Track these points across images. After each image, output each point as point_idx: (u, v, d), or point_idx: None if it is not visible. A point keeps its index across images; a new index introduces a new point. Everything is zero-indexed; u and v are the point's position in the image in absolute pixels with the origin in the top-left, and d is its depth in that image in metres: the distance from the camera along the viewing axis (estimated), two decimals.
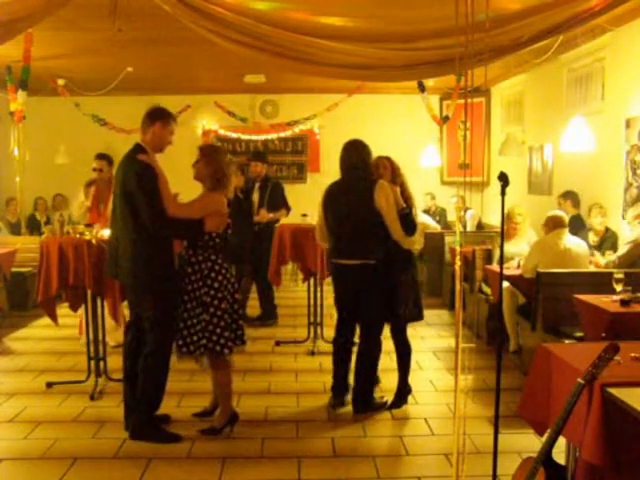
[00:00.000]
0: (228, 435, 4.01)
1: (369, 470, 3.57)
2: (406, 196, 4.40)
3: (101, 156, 5.79)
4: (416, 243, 4.42)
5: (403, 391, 4.53)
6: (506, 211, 5.79)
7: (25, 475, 3.55)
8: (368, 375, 4.44)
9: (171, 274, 3.89)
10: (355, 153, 4.32)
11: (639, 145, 5.69)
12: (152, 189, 3.72)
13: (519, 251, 5.71)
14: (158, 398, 3.99)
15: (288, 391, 4.85)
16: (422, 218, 8.51)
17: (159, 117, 3.91)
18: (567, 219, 5.24)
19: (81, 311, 5.62)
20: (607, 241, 5.81)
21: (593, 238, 5.91)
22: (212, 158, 3.95)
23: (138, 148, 3.84)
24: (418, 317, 4.50)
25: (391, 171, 4.39)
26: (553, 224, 5.11)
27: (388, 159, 4.46)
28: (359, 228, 4.25)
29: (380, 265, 4.25)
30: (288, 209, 6.92)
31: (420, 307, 4.49)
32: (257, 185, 6.87)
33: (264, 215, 6.68)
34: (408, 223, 4.25)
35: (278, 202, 6.83)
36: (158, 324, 3.85)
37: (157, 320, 3.85)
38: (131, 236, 3.80)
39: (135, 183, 3.71)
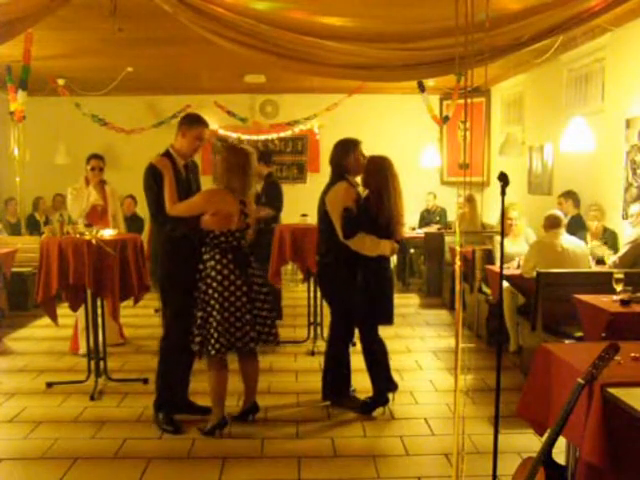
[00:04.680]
0: (228, 435, 4.01)
1: (369, 470, 3.57)
2: (375, 200, 4.23)
3: (99, 156, 5.79)
4: (365, 249, 4.22)
5: (375, 396, 4.43)
6: None
7: (25, 475, 3.55)
8: (331, 367, 4.51)
9: (182, 270, 3.97)
10: (332, 153, 4.45)
11: (639, 145, 5.69)
12: (153, 188, 3.98)
13: (519, 251, 5.71)
14: (169, 383, 4.14)
15: (288, 391, 4.85)
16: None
17: (183, 124, 4.14)
18: (564, 219, 5.24)
19: (74, 322, 5.67)
20: (607, 242, 5.79)
21: (591, 238, 5.90)
22: (226, 156, 4.02)
23: (163, 153, 4.12)
24: (383, 320, 4.40)
25: (365, 174, 4.32)
26: (550, 224, 5.11)
27: (369, 160, 4.34)
28: (320, 226, 4.49)
29: (334, 262, 4.33)
30: (277, 209, 6.82)
31: (378, 310, 4.36)
32: (262, 185, 6.88)
33: None
34: (345, 225, 4.19)
35: (268, 201, 6.78)
36: (169, 315, 4.12)
37: (167, 311, 4.13)
38: (153, 235, 4.31)
39: (144, 184, 4.05)
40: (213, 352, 3.83)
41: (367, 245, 4.23)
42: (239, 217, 3.94)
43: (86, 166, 5.76)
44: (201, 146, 4.18)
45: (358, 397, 4.55)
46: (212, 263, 3.89)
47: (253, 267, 4.02)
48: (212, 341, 3.82)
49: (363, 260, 4.26)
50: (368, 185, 4.34)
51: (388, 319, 4.41)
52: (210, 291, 3.86)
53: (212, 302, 3.85)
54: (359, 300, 4.30)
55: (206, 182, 4.52)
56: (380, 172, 4.28)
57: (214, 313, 3.84)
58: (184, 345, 3.94)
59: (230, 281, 3.87)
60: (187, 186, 4.11)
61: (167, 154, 4.10)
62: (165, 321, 4.16)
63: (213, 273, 3.87)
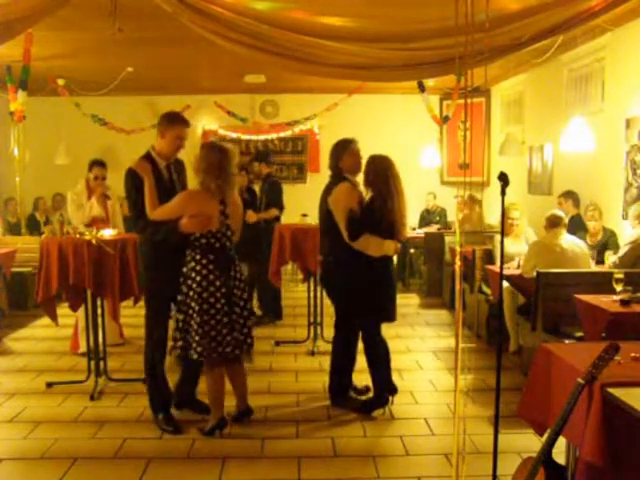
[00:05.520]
0: (228, 435, 4.01)
1: (369, 470, 3.57)
2: (379, 203, 4.20)
3: (102, 163, 5.72)
4: (369, 250, 4.22)
5: (375, 396, 4.43)
6: None
7: (25, 475, 3.55)
8: (334, 366, 4.51)
9: (164, 274, 3.93)
10: (329, 157, 4.42)
11: (639, 145, 5.69)
12: (132, 194, 3.93)
13: (519, 251, 5.71)
14: (157, 384, 4.13)
15: (288, 391, 4.84)
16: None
17: (161, 124, 4.02)
18: (565, 219, 5.23)
19: (74, 321, 5.69)
20: (609, 241, 5.78)
21: (590, 238, 5.90)
22: (201, 155, 3.87)
23: (144, 155, 4.02)
24: (384, 318, 4.41)
25: (365, 174, 4.30)
26: (550, 224, 5.11)
27: (367, 161, 4.34)
28: (321, 227, 4.51)
29: (337, 263, 4.33)
30: (280, 208, 6.85)
31: (380, 309, 4.37)
32: (261, 185, 6.94)
33: (251, 216, 6.54)
34: (350, 226, 4.18)
35: (271, 201, 6.81)
36: (151, 317, 4.09)
37: (150, 314, 4.09)
38: (137, 239, 4.21)
39: (124, 189, 4.00)
40: (195, 356, 3.81)
41: (372, 246, 4.22)
42: (219, 218, 3.82)
43: (88, 173, 5.71)
44: (182, 146, 4.03)
45: (358, 397, 4.55)
46: (192, 264, 3.82)
47: (236, 270, 3.93)
48: (194, 345, 3.79)
49: (366, 260, 4.26)
50: (369, 185, 4.32)
51: (390, 317, 4.42)
52: (191, 293, 3.80)
53: (192, 304, 3.79)
54: (362, 300, 4.30)
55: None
56: (381, 172, 4.26)
57: (194, 315, 3.78)
58: (165, 347, 3.99)
59: (209, 281, 3.79)
60: (171, 187, 4.01)
61: (147, 156, 3.99)
62: (147, 323, 4.09)
63: (193, 274, 3.81)
